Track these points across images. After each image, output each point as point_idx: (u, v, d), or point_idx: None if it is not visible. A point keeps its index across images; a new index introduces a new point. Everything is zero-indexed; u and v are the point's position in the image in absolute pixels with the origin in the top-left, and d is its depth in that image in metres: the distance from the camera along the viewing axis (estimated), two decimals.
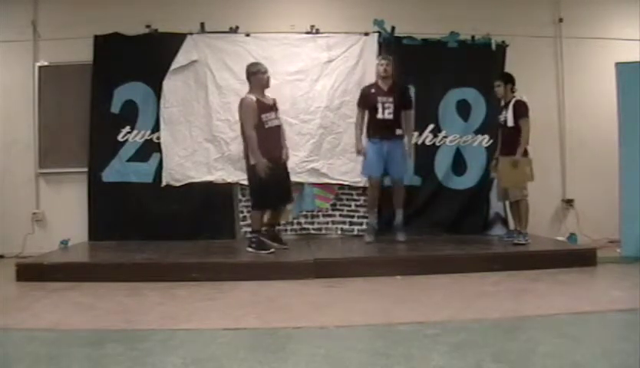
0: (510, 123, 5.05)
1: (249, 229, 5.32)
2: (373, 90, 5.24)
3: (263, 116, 4.82)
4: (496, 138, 5.52)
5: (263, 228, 5.05)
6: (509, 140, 5.11)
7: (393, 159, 5.20)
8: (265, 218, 5.22)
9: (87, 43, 5.69)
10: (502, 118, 5.19)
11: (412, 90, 5.61)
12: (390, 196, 5.38)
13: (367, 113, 5.25)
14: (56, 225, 5.80)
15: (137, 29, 5.71)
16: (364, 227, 5.66)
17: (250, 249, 4.90)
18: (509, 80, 5.19)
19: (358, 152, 5.28)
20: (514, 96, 5.11)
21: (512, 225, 5.47)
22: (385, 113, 5.17)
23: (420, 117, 5.80)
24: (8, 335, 3.07)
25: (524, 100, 5.08)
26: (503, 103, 5.22)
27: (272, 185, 4.80)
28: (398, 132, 5.24)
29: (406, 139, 5.33)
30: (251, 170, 4.87)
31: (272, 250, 4.87)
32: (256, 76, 4.88)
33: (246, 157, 4.91)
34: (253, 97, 4.83)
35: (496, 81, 5.23)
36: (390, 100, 5.17)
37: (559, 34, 6.20)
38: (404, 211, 5.54)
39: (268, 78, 4.93)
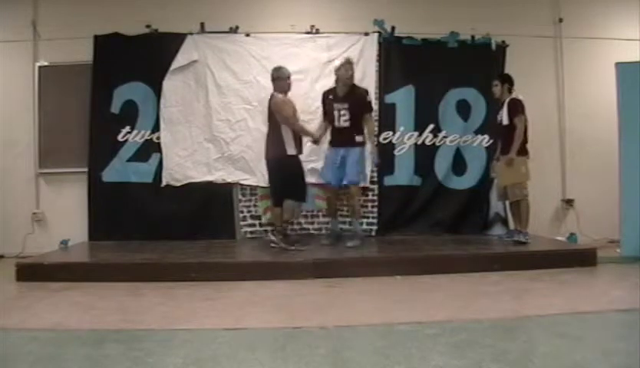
0: (505, 121, 5.05)
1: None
2: (331, 97, 5.17)
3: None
4: (496, 138, 5.53)
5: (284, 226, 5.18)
6: (505, 139, 5.11)
7: (345, 164, 5.08)
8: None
9: (87, 43, 5.70)
10: (499, 118, 5.19)
11: (412, 92, 5.72)
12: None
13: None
14: (56, 225, 5.80)
15: (137, 29, 5.71)
16: (364, 227, 5.67)
17: (274, 238, 4.99)
18: (506, 80, 5.19)
19: (314, 141, 5.23)
20: (510, 96, 5.10)
21: (512, 224, 5.46)
22: (341, 120, 5.09)
23: (420, 117, 5.82)
24: (8, 335, 3.07)
25: (519, 98, 5.07)
26: (500, 102, 5.21)
27: (303, 177, 5.09)
28: (358, 139, 5.09)
29: (368, 145, 5.16)
30: (290, 161, 4.99)
31: (294, 248, 4.93)
32: (286, 81, 5.04)
33: (279, 150, 4.96)
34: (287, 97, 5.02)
35: (494, 81, 5.24)
36: (346, 106, 5.06)
37: (559, 34, 6.20)
38: (404, 211, 5.56)
39: (290, 84, 5.08)
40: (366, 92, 5.22)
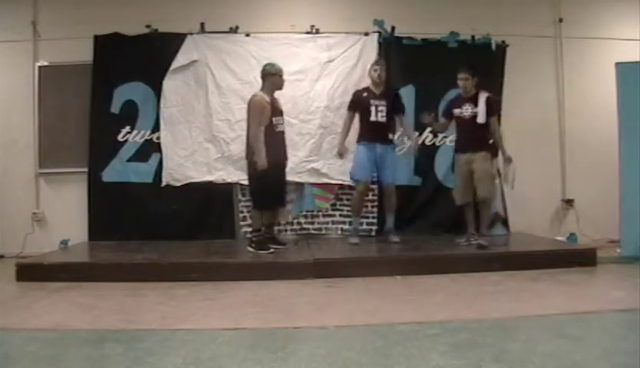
0: (482, 119, 4.91)
1: (250, 229, 5.35)
2: (365, 94, 5.24)
3: (274, 119, 4.85)
4: (461, 133, 5.19)
5: (262, 228, 5.06)
6: (478, 136, 4.96)
7: (384, 164, 5.20)
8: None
9: (87, 43, 5.69)
10: (465, 112, 4.99)
11: (412, 92, 5.76)
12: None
13: (357, 116, 5.26)
14: (56, 225, 5.79)
15: (137, 29, 5.71)
16: (363, 227, 5.67)
17: (250, 248, 4.92)
18: (476, 73, 5.03)
19: (340, 155, 5.31)
20: (479, 90, 4.96)
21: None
22: (378, 115, 5.16)
23: (421, 117, 5.81)
24: (8, 335, 3.07)
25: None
26: (466, 96, 5.02)
27: (271, 186, 4.86)
28: (390, 136, 5.28)
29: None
30: (252, 168, 4.86)
31: (272, 250, 4.89)
32: (273, 77, 4.89)
33: (248, 155, 4.89)
34: (267, 98, 4.83)
35: (462, 74, 4.99)
36: (384, 103, 5.17)
37: (559, 34, 6.20)
38: (404, 211, 5.56)
39: (283, 81, 4.97)
40: (399, 93, 5.42)
